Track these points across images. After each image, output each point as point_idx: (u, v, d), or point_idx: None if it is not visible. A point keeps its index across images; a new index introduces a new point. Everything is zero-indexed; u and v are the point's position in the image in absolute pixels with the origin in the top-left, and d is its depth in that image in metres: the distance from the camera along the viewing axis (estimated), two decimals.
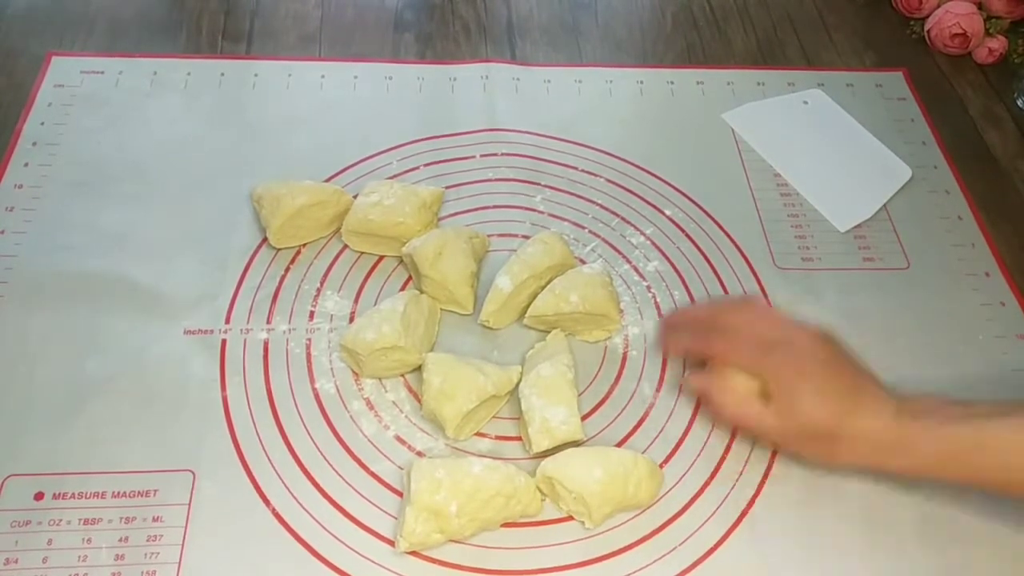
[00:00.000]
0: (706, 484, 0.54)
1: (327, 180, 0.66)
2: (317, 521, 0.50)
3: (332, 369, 0.57)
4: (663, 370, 0.59)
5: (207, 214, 0.64)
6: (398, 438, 0.54)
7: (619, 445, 0.55)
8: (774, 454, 0.55)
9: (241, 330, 0.58)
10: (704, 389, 0.54)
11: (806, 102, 0.78)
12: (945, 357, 0.61)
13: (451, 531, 0.48)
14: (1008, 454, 0.46)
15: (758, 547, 0.51)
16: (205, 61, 0.75)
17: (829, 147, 0.74)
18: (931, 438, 0.47)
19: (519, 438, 0.55)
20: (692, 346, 0.56)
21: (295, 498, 0.51)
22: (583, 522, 0.51)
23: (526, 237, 0.64)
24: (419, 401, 0.55)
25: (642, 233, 0.66)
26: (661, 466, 0.54)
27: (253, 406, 0.55)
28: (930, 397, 0.50)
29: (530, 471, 0.51)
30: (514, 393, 0.55)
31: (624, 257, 0.65)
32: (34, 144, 0.67)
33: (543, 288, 0.58)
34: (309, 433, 0.54)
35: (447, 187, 0.67)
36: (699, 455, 0.55)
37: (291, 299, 0.60)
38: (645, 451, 0.54)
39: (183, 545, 0.49)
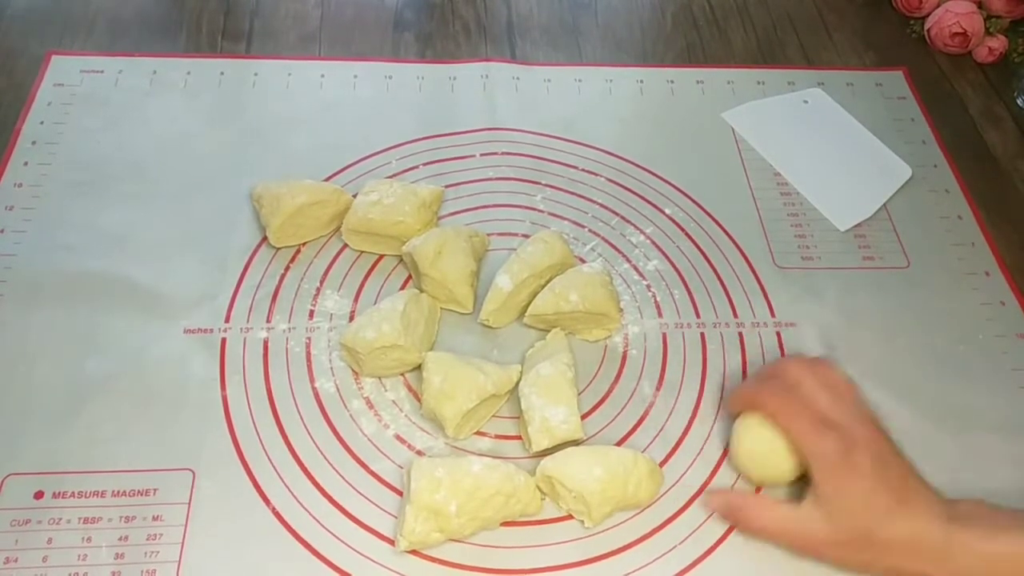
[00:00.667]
0: (706, 483, 0.54)
1: (327, 179, 0.66)
2: (317, 520, 0.50)
3: (332, 368, 0.57)
4: (663, 370, 0.59)
5: (207, 214, 0.64)
6: (398, 437, 0.54)
7: (619, 444, 0.55)
8: None
9: (241, 329, 0.58)
10: (737, 505, 0.50)
11: (806, 101, 0.78)
12: (945, 357, 0.61)
13: (451, 530, 0.48)
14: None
15: (757, 547, 0.51)
16: (205, 61, 0.75)
17: (829, 146, 0.74)
18: (981, 546, 0.45)
19: (519, 437, 0.55)
20: (745, 393, 0.52)
21: (295, 497, 0.51)
22: (583, 521, 0.51)
23: (526, 236, 0.64)
24: (419, 400, 0.55)
25: (642, 232, 0.66)
26: (660, 465, 0.54)
27: (253, 405, 0.55)
28: (978, 503, 0.47)
29: (530, 470, 0.51)
30: (514, 392, 0.55)
31: (624, 256, 0.65)
32: (34, 143, 0.67)
33: (543, 287, 0.58)
34: (309, 432, 0.54)
35: (447, 186, 0.67)
36: (699, 454, 0.55)
37: (291, 298, 0.60)
38: (645, 450, 0.54)
39: (183, 544, 0.49)
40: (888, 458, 0.47)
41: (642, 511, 0.52)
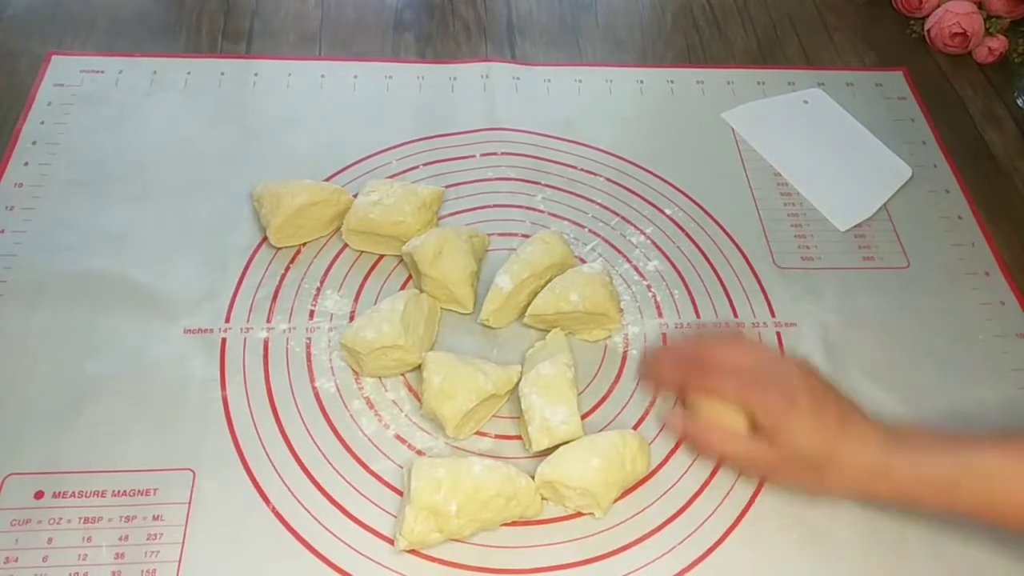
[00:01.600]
0: (705, 483, 0.54)
1: (327, 179, 0.66)
2: (317, 519, 0.50)
3: (332, 368, 0.57)
4: None
5: (207, 214, 0.64)
6: (398, 437, 0.54)
7: None
8: None
9: (241, 329, 0.58)
10: (689, 429, 0.53)
11: (806, 102, 0.78)
12: (945, 356, 0.61)
13: (450, 530, 0.48)
14: (990, 480, 0.46)
15: (757, 546, 0.51)
16: (205, 61, 0.75)
17: (829, 146, 0.74)
18: (915, 465, 0.48)
19: (519, 437, 0.55)
20: (681, 380, 0.54)
21: (295, 497, 0.51)
22: (592, 513, 0.51)
23: (526, 236, 0.64)
24: (419, 400, 0.55)
25: (642, 232, 0.66)
26: (660, 466, 0.54)
27: (253, 405, 0.55)
28: (917, 426, 0.50)
29: (530, 470, 0.51)
30: (514, 392, 0.55)
31: (624, 256, 0.65)
32: (34, 143, 0.67)
33: (543, 287, 0.58)
34: (309, 432, 0.54)
35: (447, 186, 0.67)
36: (699, 455, 0.55)
37: (291, 298, 0.60)
38: None
39: (183, 544, 0.49)
40: (825, 396, 0.50)
41: (642, 511, 0.52)
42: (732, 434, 0.51)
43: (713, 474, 0.54)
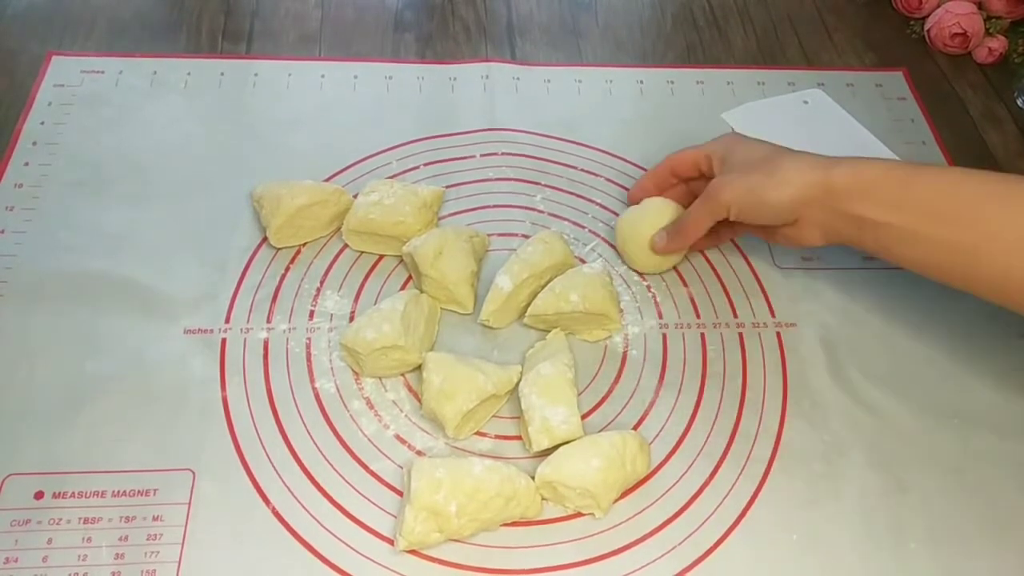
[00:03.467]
0: (706, 484, 0.54)
1: (327, 180, 0.66)
2: (317, 520, 0.50)
3: (332, 368, 0.57)
4: (663, 370, 0.59)
5: (207, 214, 0.64)
6: (398, 437, 0.54)
7: None
8: (773, 456, 0.55)
9: (241, 329, 0.58)
10: (675, 227, 0.60)
11: (806, 102, 0.78)
12: (945, 357, 0.61)
13: (450, 531, 0.48)
14: (934, 192, 0.50)
15: (757, 547, 0.51)
16: (205, 61, 0.75)
17: (829, 147, 0.73)
18: (855, 172, 0.52)
19: (519, 437, 0.55)
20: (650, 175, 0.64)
21: (295, 497, 0.51)
22: (593, 514, 0.51)
23: (526, 236, 0.64)
24: (419, 400, 0.55)
25: None
26: (660, 466, 0.54)
27: (253, 405, 0.55)
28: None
29: (530, 471, 0.51)
30: (514, 392, 0.55)
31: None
32: (34, 144, 0.67)
33: (543, 287, 0.58)
34: (309, 432, 0.54)
35: (447, 187, 0.67)
36: (699, 455, 0.55)
37: (291, 298, 0.60)
38: None
39: (183, 544, 0.49)
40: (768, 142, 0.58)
41: (642, 511, 0.52)
42: (696, 206, 0.58)
43: (713, 474, 0.54)
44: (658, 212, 0.62)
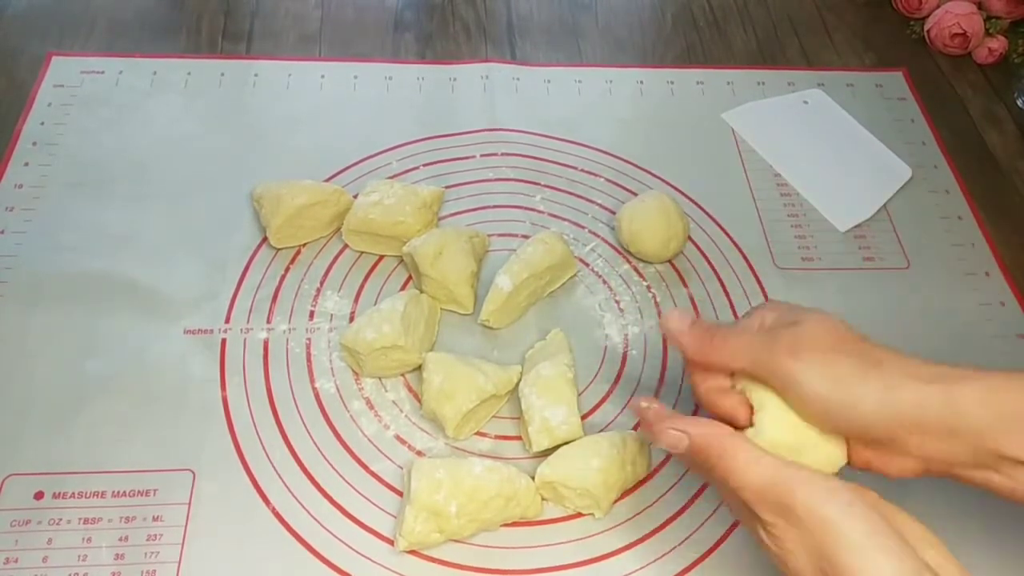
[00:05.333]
0: (706, 484, 0.54)
1: (327, 180, 0.66)
2: (317, 520, 0.50)
3: (332, 369, 0.57)
4: (663, 370, 0.59)
5: (207, 214, 0.64)
6: (398, 437, 0.54)
7: None
8: None
9: (241, 330, 0.58)
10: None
11: (806, 102, 0.78)
12: (945, 357, 0.60)
13: (450, 531, 0.48)
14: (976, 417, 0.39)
15: (758, 547, 0.51)
16: (205, 61, 0.75)
17: (829, 147, 0.74)
18: (989, 394, 0.39)
19: (519, 438, 0.55)
20: (691, 354, 0.45)
21: (295, 497, 0.51)
22: (593, 514, 0.51)
23: (526, 237, 0.64)
24: (419, 401, 0.55)
25: None
26: (660, 466, 0.54)
27: (253, 406, 0.55)
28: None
29: (530, 471, 0.51)
30: (514, 392, 0.55)
31: (624, 257, 0.65)
32: (34, 144, 0.67)
33: (543, 287, 0.58)
34: (309, 433, 0.54)
35: (447, 187, 0.67)
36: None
37: (291, 299, 0.60)
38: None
39: (183, 544, 0.49)
40: (842, 329, 0.42)
41: (643, 511, 0.52)
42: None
43: None
44: (658, 198, 0.63)
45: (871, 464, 0.42)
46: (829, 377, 0.40)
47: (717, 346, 0.43)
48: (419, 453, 0.53)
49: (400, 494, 0.51)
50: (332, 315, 0.59)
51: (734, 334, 0.43)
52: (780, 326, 0.42)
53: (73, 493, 0.50)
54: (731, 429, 0.41)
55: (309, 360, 0.57)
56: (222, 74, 0.74)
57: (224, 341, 0.57)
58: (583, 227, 0.66)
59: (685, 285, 0.64)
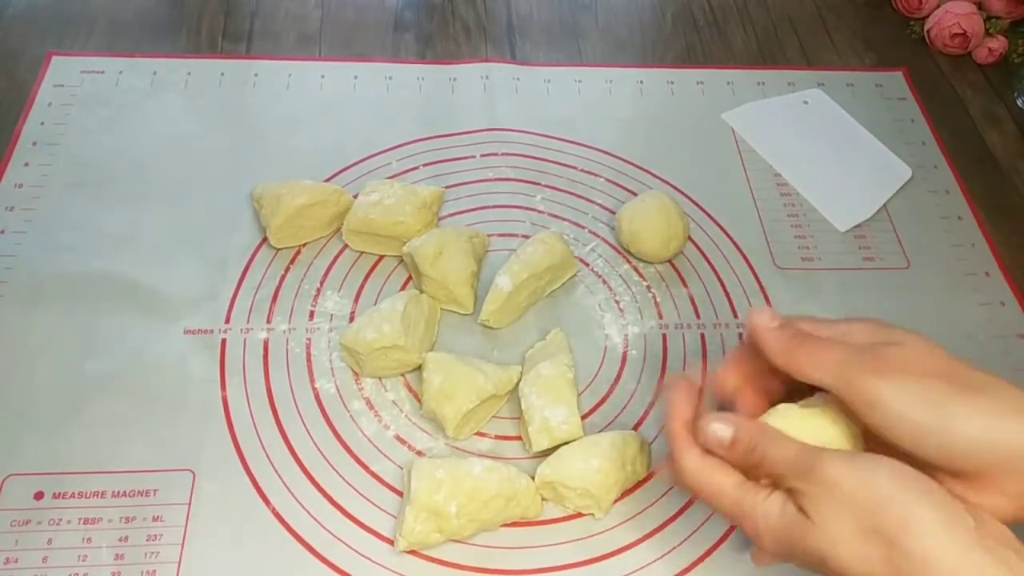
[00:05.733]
0: None
1: (327, 180, 0.66)
2: (317, 520, 0.50)
3: (332, 369, 0.57)
4: (663, 370, 0.59)
5: (207, 214, 0.64)
6: (398, 438, 0.54)
7: None
8: None
9: (241, 330, 0.58)
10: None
11: (806, 102, 0.78)
12: None
13: (450, 531, 0.48)
14: None
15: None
16: (205, 61, 0.75)
17: (829, 147, 0.74)
18: None
19: (519, 438, 0.55)
20: (773, 355, 0.41)
21: (295, 497, 0.51)
22: (593, 514, 0.51)
23: (526, 237, 0.64)
24: (419, 401, 0.55)
25: None
26: (660, 466, 0.54)
27: (253, 406, 0.55)
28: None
29: (530, 471, 0.51)
30: (514, 392, 0.55)
31: (624, 256, 0.65)
32: (34, 144, 0.67)
33: (543, 287, 0.58)
34: (309, 433, 0.54)
35: (447, 187, 0.67)
36: None
37: (291, 299, 0.60)
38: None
39: (183, 544, 0.49)
40: (940, 354, 0.39)
41: (643, 511, 0.52)
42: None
43: None
44: (658, 198, 0.63)
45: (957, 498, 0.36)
46: (921, 399, 0.36)
47: (805, 354, 0.40)
48: (419, 453, 0.53)
49: (400, 494, 0.51)
50: (332, 315, 0.59)
51: (824, 346, 0.40)
52: (873, 344, 0.40)
53: (73, 493, 0.50)
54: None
55: (309, 360, 0.57)
56: (222, 74, 0.74)
57: (224, 341, 0.57)
58: (583, 227, 0.66)
59: (685, 285, 0.64)
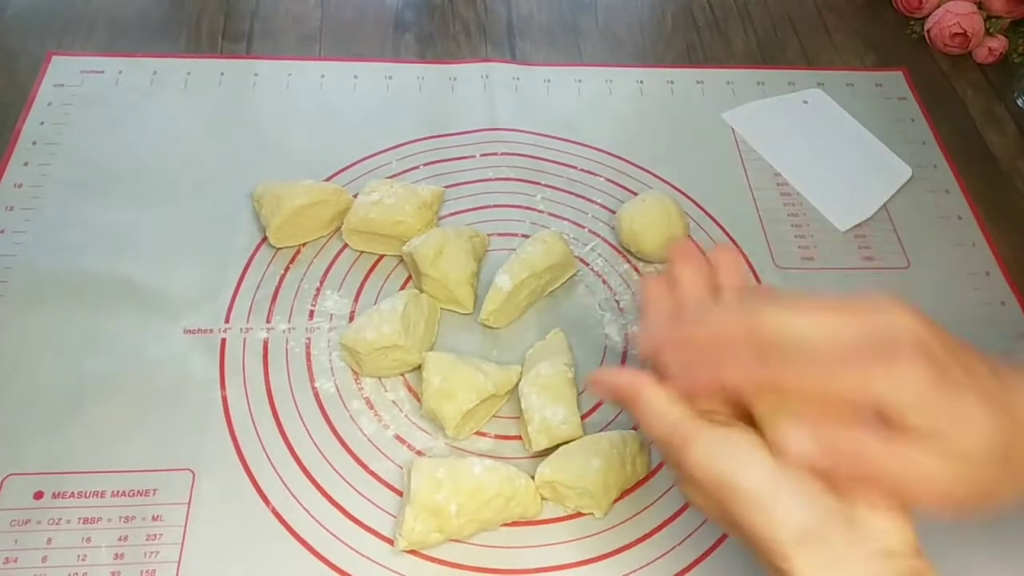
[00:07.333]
0: None
1: (327, 179, 0.66)
2: (317, 520, 0.50)
3: (332, 368, 0.57)
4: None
5: (207, 214, 0.64)
6: (398, 437, 0.54)
7: None
8: None
9: (241, 329, 0.58)
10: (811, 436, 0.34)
11: (806, 102, 0.78)
12: None
13: (450, 531, 0.48)
14: None
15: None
16: (205, 61, 0.75)
17: (829, 147, 0.74)
18: None
19: (519, 437, 0.55)
20: (710, 377, 0.36)
21: (295, 497, 0.51)
22: (592, 514, 0.51)
23: (526, 236, 0.64)
24: (419, 400, 0.55)
25: None
26: (660, 466, 0.54)
27: (253, 405, 0.55)
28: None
29: (530, 470, 0.51)
30: (514, 392, 0.55)
31: (624, 256, 0.65)
32: (34, 144, 0.67)
33: (543, 287, 0.58)
34: (309, 432, 0.54)
35: (447, 186, 0.67)
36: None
37: (291, 298, 0.60)
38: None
39: (183, 544, 0.49)
40: (968, 357, 0.34)
41: (643, 511, 0.52)
42: (892, 453, 0.32)
43: None
44: (658, 198, 0.63)
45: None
46: (985, 413, 0.33)
47: (779, 369, 0.34)
48: (419, 453, 0.53)
49: (400, 494, 0.51)
50: (332, 315, 0.59)
51: (791, 352, 0.34)
52: (874, 338, 0.34)
53: (73, 493, 0.50)
54: (651, 379, 0.37)
55: (309, 360, 0.57)
56: (222, 74, 0.74)
57: (224, 341, 0.57)
58: (583, 227, 0.66)
59: None
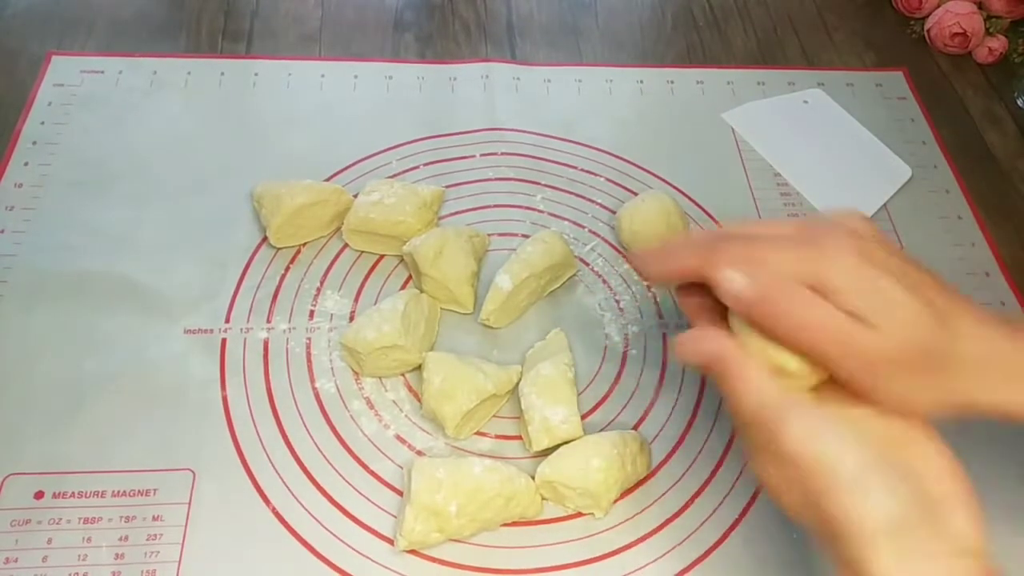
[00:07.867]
0: (706, 483, 0.54)
1: (327, 179, 0.66)
2: (317, 520, 0.50)
3: (332, 368, 0.57)
4: (663, 369, 0.59)
5: (207, 214, 0.64)
6: (398, 437, 0.54)
7: None
8: None
9: (241, 329, 0.58)
10: (757, 292, 0.35)
11: (806, 102, 0.78)
12: None
13: (450, 531, 0.48)
14: None
15: (758, 546, 0.51)
16: (205, 61, 0.75)
17: (829, 147, 0.74)
18: None
19: (519, 437, 0.55)
20: (702, 260, 0.38)
21: (295, 497, 0.51)
22: (593, 514, 0.51)
23: (526, 236, 0.64)
24: (419, 400, 0.55)
25: None
26: (660, 466, 0.54)
27: (253, 405, 0.55)
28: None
29: (530, 470, 0.51)
30: (514, 392, 0.55)
31: (624, 256, 0.65)
32: (34, 143, 0.67)
33: (543, 287, 0.58)
34: (309, 432, 0.54)
35: (447, 186, 0.67)
36: (699, 454, 0.55)
37: (291, 298, 0.60)
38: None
39: (183, 544, 0.49)
40: (910, 263, 0.37)
41: (643, 511, 0.52)
42: (818, 303, 0.35)
43: (713, 474, 0.54)
44: (658, 198, 0.63)
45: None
46: (918, 305, 0.35)
47: (752, 250, 0.36)
48: (419, 453, 0.53)
49: (400, 494, 0.51)
50: (332, 315, 0.59)
51: (762, 240, 0.37)
52: (825, 228, 0.37)
53: (73, 493, 0.50)
54: (738, 347, 0.37)
55: (309, 360, 0.57)
56: (222, 74, 0.74)
57: (224, 341, 0.57)
58: (583, 227, 0.66)
59: None
